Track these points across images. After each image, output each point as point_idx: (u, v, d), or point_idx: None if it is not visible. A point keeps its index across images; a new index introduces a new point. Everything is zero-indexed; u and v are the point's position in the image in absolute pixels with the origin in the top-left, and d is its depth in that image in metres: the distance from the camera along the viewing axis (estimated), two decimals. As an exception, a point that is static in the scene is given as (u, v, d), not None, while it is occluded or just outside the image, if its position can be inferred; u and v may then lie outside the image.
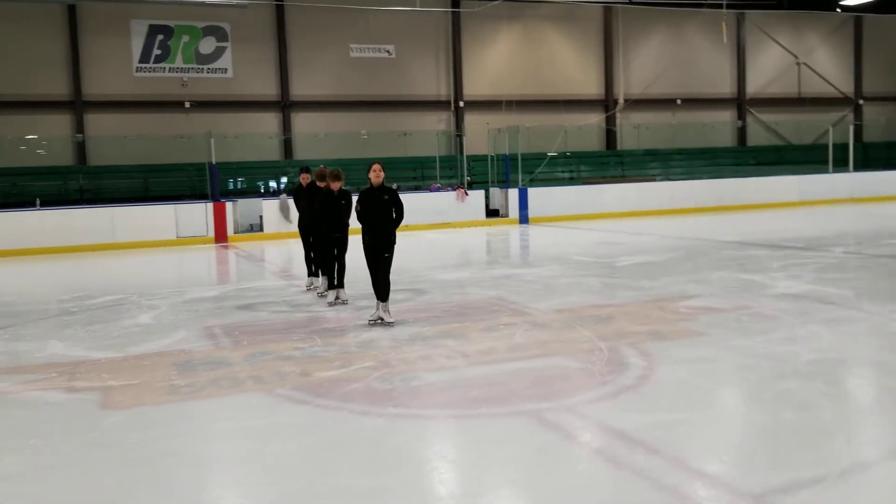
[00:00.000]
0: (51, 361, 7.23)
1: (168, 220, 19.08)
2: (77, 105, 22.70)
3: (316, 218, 10.03)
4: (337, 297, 9.74)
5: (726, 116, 30.86)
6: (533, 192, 22.81)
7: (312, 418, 5.35)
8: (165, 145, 22.48)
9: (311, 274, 10.99)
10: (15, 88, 22.10)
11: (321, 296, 10.24)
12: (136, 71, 23.25)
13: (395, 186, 22.18)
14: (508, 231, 20.66)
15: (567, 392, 5.75)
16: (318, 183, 10.37)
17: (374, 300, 8.45)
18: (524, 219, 22.49)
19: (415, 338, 7.67)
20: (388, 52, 25.72)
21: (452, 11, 26.25)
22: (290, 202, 20.18)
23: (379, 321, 8.29)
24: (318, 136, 24.43)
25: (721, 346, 6.97)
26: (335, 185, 9.58)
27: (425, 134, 24.64)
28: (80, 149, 22.94)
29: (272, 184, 23.56)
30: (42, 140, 22.51)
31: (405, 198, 21.07)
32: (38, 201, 19.35)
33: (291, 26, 24.57)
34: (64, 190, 21.92)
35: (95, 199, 21.34)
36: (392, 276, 11.93)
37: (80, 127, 22.78)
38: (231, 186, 23.21)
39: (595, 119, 28.22)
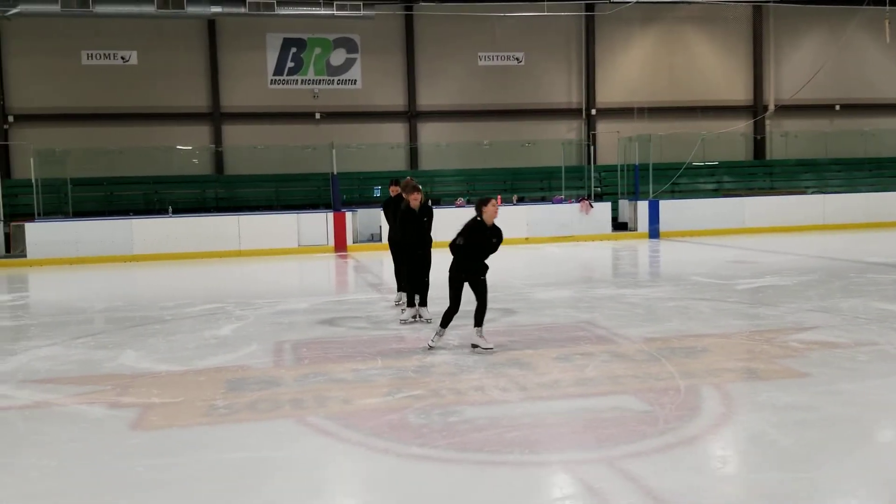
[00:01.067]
0: (114, 373, 7.25)
1: (290, 229, 19.47)
2: (215, 116, 23.68)
3: (398, 233, 9.69)
4: (418, 316, 9.36)
5: (892, 124, 28.08)
6: (665, 205, 21.58)
7: (324, 454, 4.95)
8: (295, 156, 23.04)
9: (400, 289, 10.65)
10: (160, 101, 23.33)
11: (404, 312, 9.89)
12: (271, 83, 23.99)
13: (514, 199, 21.68)
14: (634, 246, 19.59)
15: (617, 440, 5.04)
16: (403, 195, 10.01)
17: (452, 321, 7.97)
18: (654, 233, 21.30)
19: (479, 364, 7.14)
20: (517, 59, 25.21)
21: (586, 15, 25.40)
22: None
23: (440, 344, 7.85)
24: (440, 146, 24.28)
25: (823, 391, 6.01)
26: (414, 201, 9.13)
27: (551, 143, 23.91)
28: (218, 159, 23.92)
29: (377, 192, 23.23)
30: (196, 149, 23.64)
31: (527, 209, 20.52)
32: (170, 209, 20.26)
33: (420, 36, 24.59)
34: (201, 198, 22.90)
35: (230, 208, 22.14)
36: (490, 294, 11.50)
37: (217, 138, 23.76)
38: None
39: (740, 126, 26.42)
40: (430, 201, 10.63)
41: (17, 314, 11.20)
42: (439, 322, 7.95)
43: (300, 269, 17.06)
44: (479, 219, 7.58)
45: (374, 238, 20.15)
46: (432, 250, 9.62)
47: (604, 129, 25.27)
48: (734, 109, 26.59)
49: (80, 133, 22.79)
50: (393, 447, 5.03)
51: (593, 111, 25.67)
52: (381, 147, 23.96)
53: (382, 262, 17.36)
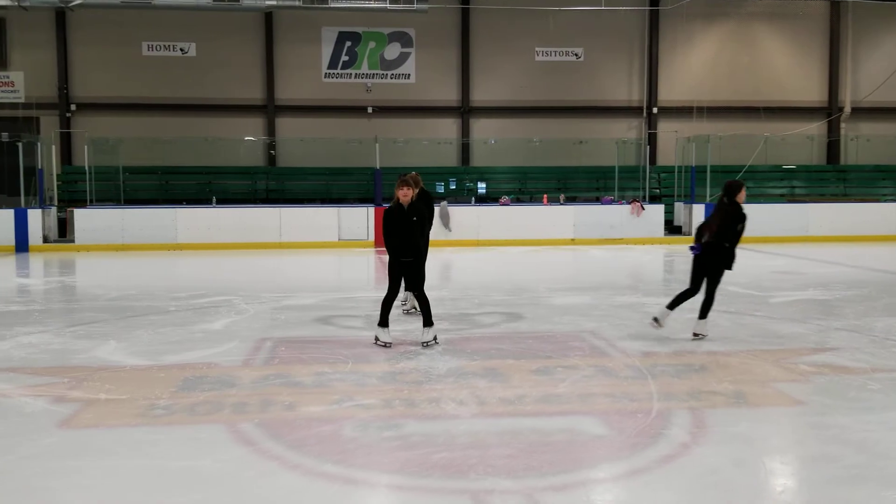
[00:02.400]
0: (80, 364, 7.11)
1: (331, 223, 19.33)
2: (269, 109, 23.79)
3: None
4: (413, 309, 9.04)
5: (983, 129, 26.21)
6: (722, 209, 20.53)
7: (229, 467, 4.61)
8: (345, 150, 22.93)
9: (407, 289, 10.24)
10: (216, 93, 23.56)
11: (407, 312, 9.53)
12: (325, 77, 23.94)
13: (561, 199, 21.01)
14: (684, 252, 18.67)
15: (550, 467, 4.56)
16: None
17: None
18: (710, 238, 20.29)
19: (452, 374, 6.72)
20: (576, 54, 24.49)
21: (650, 10, 24.47)
22: (451, 209, 19.76)
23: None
24: (489, 143, 23.80)
25: (810, 424, 5.38)
26: (403, 197, 7.71)
27: (607, 142, 23.10)
28: (270, 151, 24.02)
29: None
30: (260, 138, 23.82)
31: (574, 209, 19.74)
32: (213, 199, 20.38)
33: (475, 30, 24.14)
34: (252, 189, 23.05)
35: (280, 200, 22.21)
36: (506, 297, 11.05)
37: (271, 130, 23.86)
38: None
39: (810, 128, 25.04)
40: (432, 199, 10.04)
41: (31, 298, 11.31)
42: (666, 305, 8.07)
43: (331, 263, 16.89)
44: (727, 201, 7.90)
45: (417, 234, 19.78)
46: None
47: (666, 128, 24.32)
48: (806, 111, 25.24)
49: (139, 122, 23.24)
50: (306, 463, 4.67)
51: (654, 109, 24.75)
52: (431, 142, 23.64)
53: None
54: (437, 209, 19.54)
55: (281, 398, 6.00)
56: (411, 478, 4.43)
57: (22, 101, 22.96)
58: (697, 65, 24.88)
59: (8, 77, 22.94)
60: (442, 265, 16.35)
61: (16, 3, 20.14)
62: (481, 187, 23.18)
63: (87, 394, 6.16)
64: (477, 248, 19.27)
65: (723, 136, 22.05)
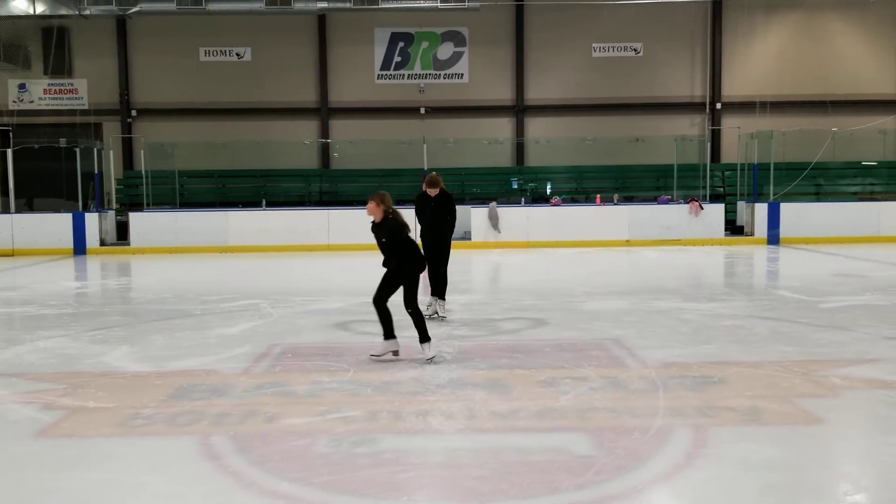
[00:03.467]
0: (85, 370, 7.09)
1: (379, 225, 19.17)
2: (323, 111, 23.86)
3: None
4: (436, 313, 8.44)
5: None
6: (786, 209, 19.60)
7: (181, 484, 4.41)
8: (397, 150, 22.78)
9: (433, 293, 9.96)
10: (271, 96, 23.76)
11: (430, 318, 9.21)
12: (378, 78, 23.88)
13: (615, 199, 20.40)
14: (744, 253, 17.88)
15: (522, 492, 4.22)
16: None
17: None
18: (773, 239, 19.40)
19: (450, 384, 6.42)
20: (635, 50, 23.78)
21: (713, 1, 23.57)
22: (500, 210, 19.40)
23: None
24: (540, 142, 23.30)
25: (822, 446, 4.90)
26: (370, 213, 7.72)
27: (664, 139, 22.30)
28: (324, 153, 24.10)
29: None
30: (318, 140, 23.96)
31: (629, 209, 19.10)
32: (263, 202, 20.53)
33: (530, 28, 23.68)
34: (307, 192, 23.17)
35: (333, 202, 22.23)
36: (537, 302, 10.68)
37: (325, 132, 23.92)
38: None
39: (887, 123, 23.68)
40: (453, 202, 9.74)
41: (66, 301, 11.45)
42: None
43: (373, 265, 16.67)
44: None
45: (467, 236, 19.49)
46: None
47: (729, 124, 23.38)
48: (879, 104, 23.86)
49: (197, 127, 23.60)
50: (263, 480, 4.44)
51: (718, 105, 23.84)
52: (485, 142, 23.29)
53: (470, 260, 16.69)
54: (486, 210, 19.33)
55: (266, 409, 5.81)
56: (366, 499, 4.16)
57: (85, 107, 23.65)
58: (761, 58, 23.85)
59: (72, 84, 23.66)
60: (486, 267, 16.06)
61: (77, 13, 20.70)
62: (547, 187, 22.74)
63: (76, 401, 6.09)
64: (526, 249, 18.87)
65: (787, 132, 21.03)
